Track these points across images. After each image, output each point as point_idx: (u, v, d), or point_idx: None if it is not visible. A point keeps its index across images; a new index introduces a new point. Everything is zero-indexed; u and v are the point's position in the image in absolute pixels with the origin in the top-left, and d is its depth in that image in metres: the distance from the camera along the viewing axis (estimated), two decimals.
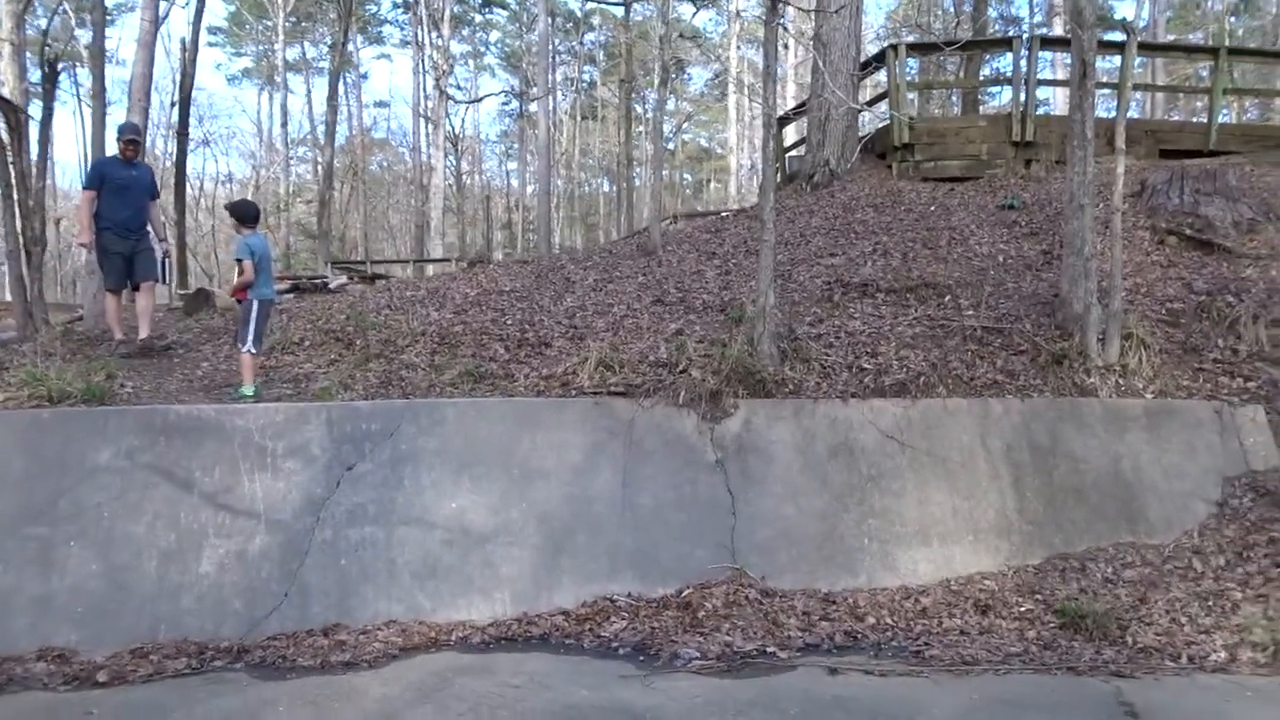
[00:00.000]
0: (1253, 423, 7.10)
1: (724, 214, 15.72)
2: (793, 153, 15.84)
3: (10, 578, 5.46)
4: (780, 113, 15.72)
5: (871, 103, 15.40)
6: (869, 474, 6.62)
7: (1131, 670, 4.86)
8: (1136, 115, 25.45)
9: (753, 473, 6.58)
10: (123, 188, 8.11)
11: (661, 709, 4.35)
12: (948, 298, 8.57)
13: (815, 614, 5.69)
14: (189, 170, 20.09)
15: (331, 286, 14.25)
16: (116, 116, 11.08)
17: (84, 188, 8.42)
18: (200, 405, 6.47)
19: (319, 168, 30.28)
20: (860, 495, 6.53)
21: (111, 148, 10.05)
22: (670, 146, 37.38)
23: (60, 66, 11.86)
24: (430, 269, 24.01)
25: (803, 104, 15.43)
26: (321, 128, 29.60)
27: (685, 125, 43.36)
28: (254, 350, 6.97)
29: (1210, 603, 5.60)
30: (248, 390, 6.87)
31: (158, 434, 6.13)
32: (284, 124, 36.67)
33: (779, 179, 13.52)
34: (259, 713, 4.42)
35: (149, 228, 8.41)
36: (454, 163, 36.86)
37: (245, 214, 7.35)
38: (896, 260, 9.56)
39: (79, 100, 29.61)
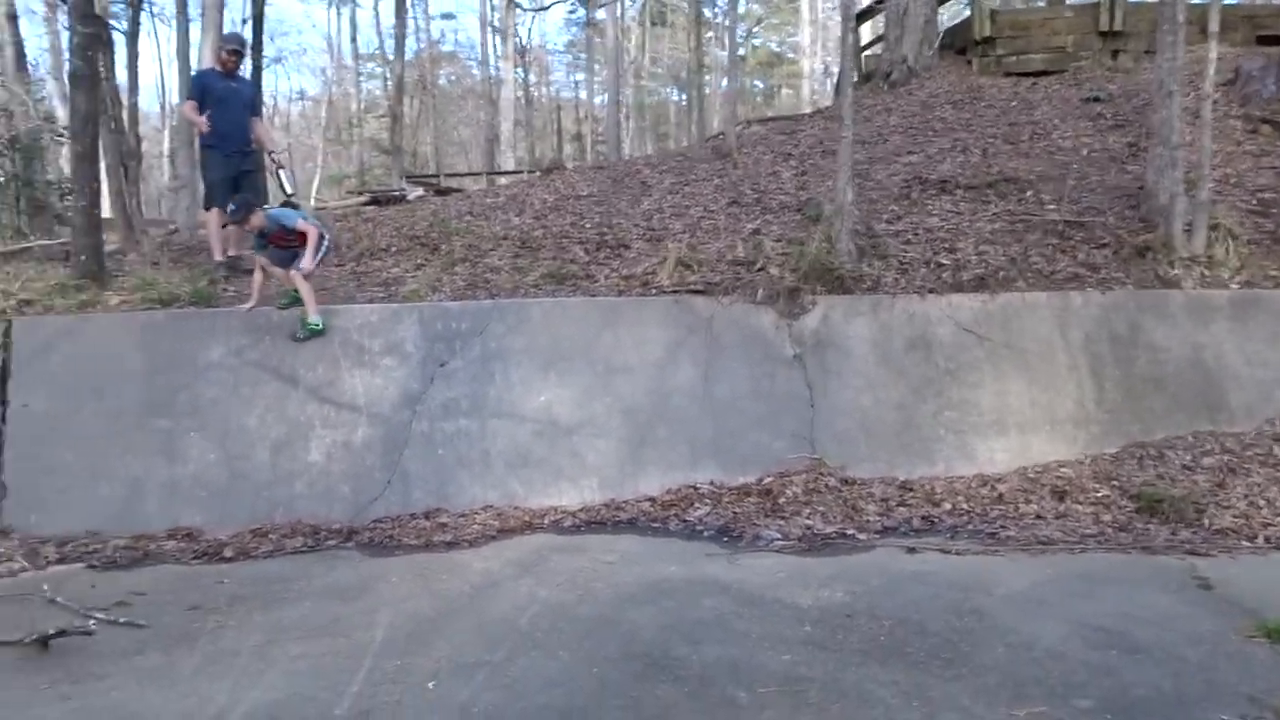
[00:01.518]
0: None
1: (797, 117, 15.50)
2: (869, 51, 15.47)
3: (140, 465, 5.91)
4: (858, 7, 15.30)
5: None
6: (946, 367, 6.70)
7: (1207, 549, 4.96)
8: (1233, 0, 24.10)
9: (830, 366, 6.71)
10: (222, 100, 7.80)
11: (747, 582, 4.59)
12: (1029, 193, 8.46)
13: (893, 500, 5.87)
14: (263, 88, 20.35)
15: (410, 199, 14.54)
16: (191, 37, 11.27)
17: (186, 99, 8.08)
18: (300, 306, 6.79)
19: (389, 83, 30.44)
20: (937, 387, 6.63)
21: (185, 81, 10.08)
22: (740, 53, 36.58)
23: None
24: (501, 182, 24.18)
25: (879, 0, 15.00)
26: (390, 41, 29.64)
27: (756, 30, 42.31)
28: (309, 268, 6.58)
29: None
30: (315, 322, 6.50)
31: (262, 333, 6.48)
32: (353, 38, 36.78)
33: (855, 78, 13.26)
34: (372, 583, 4.78)
35: (254, 146, 8.15)
36: (522, 75, 36.66)
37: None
38: (976, 156, 9.42)
39: (152, 19, 30.01)
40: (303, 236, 6.62)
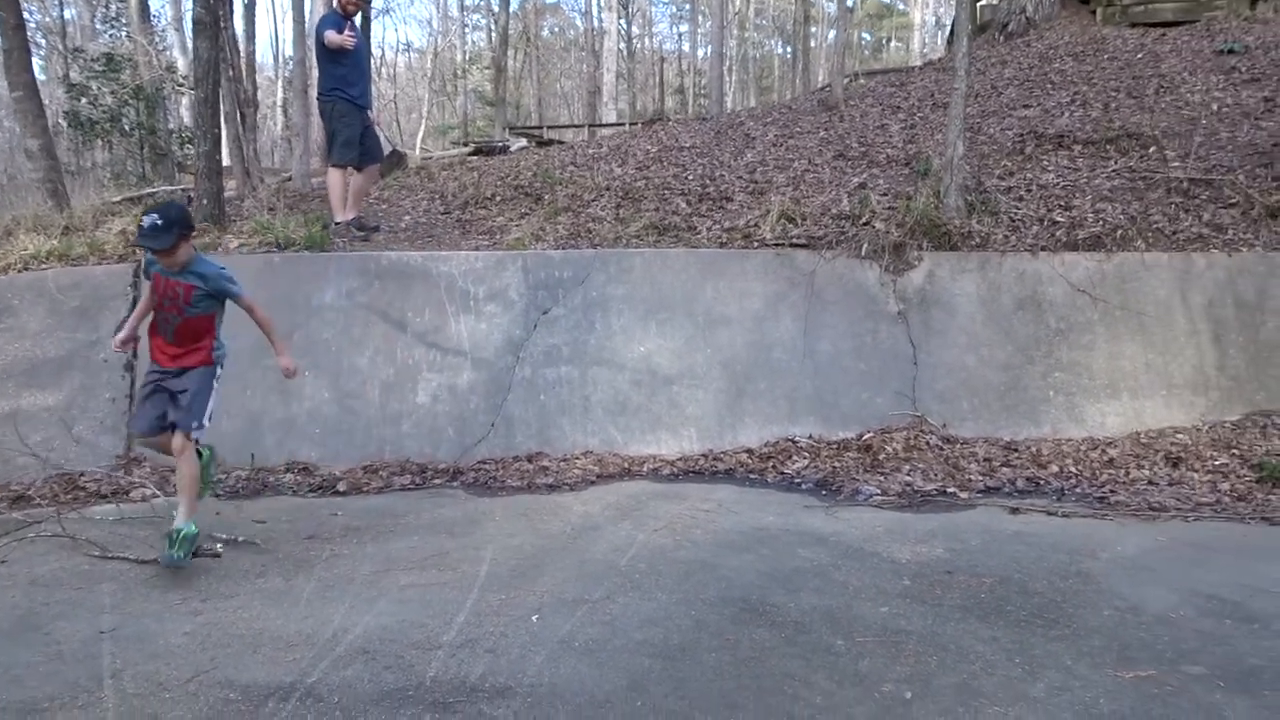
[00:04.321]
0: None
1: (906, 69, 15.08)
2: (985, 1, 14.91)
3: (258, 401, 6.18)
4: None
5: None
6: (1057, 327, 6.51)
7: None
8: None
9: (935, 324, 6.58)
10: (346, 49, 7.43)
11: (845, 534, 4.59)
12: (1152, 149, 8.09)
13: (996, 460, 5.76)
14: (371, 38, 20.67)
15: (513, 150, 14.69)
16: None
17: (323, 30, 7.49)
18: (408, 252, 6.96)
19: (493, 34, 30.59)
20: (1047, 348, 6.45)
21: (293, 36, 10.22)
22: (849, 4, 35.59)
23: None
24: (603, 134, 24.18)
25: None
26: None
27: None
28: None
29: None
30: (187, 530, 4.20)
31: (373, 278, 6.67)
32: None
33: (970, 28, 12.83)
34: (478, 520, 4.93)
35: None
36: (625, 27, 36.40)
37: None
38: (1096, 111, 9.04)
39: None
40: (207, 326, 4.36)
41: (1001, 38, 12.18)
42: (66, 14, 25.59)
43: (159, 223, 4.03)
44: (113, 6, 20.96)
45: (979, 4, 15.08)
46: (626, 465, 5.94)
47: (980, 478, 5.52)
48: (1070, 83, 9.97)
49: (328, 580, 4.06)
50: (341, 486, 5.62)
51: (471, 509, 5.19)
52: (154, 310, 4.36)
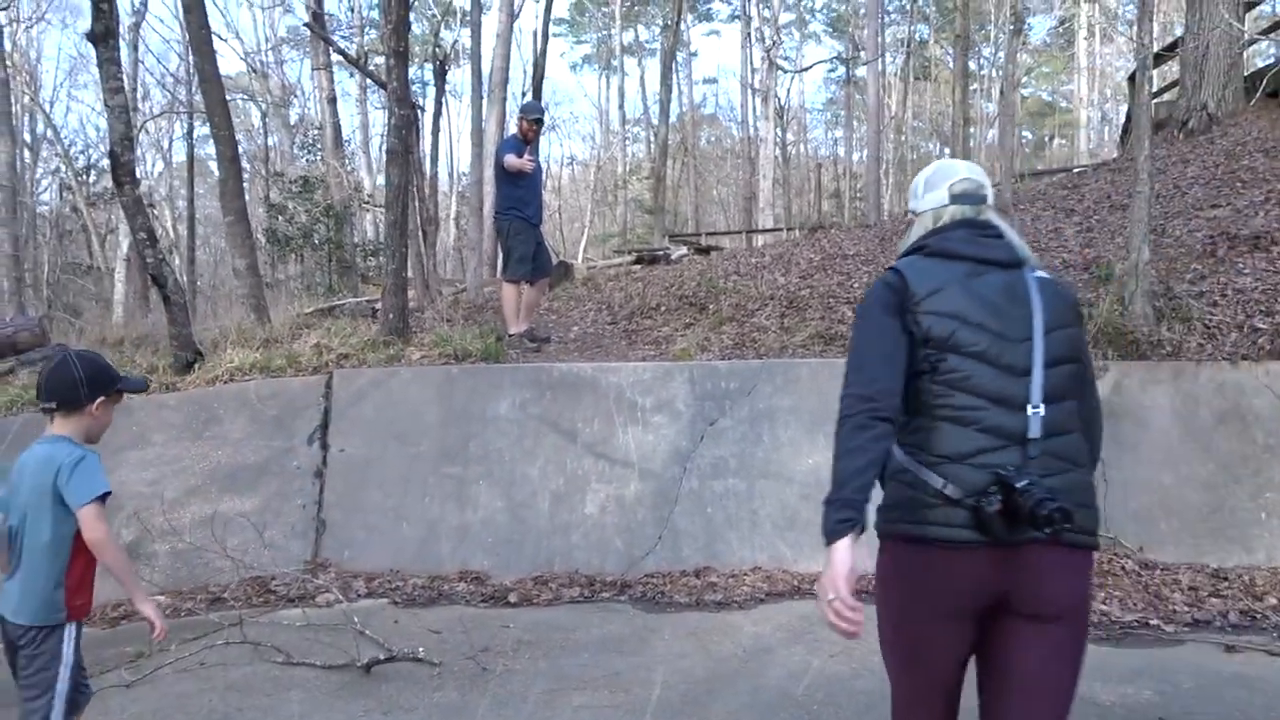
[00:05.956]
0: None
1: (1078, 169, 14.65)
2: (1160, 98, 14.42)
3: (435, 509, 6.38)
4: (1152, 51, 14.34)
5: (1268, 31, 13.62)
6: (1265, 443, 6.01)
7: None
8: None
9: (1124, 438, 6.20)
10: (525, 172, 7.87)
11: None
12: None
13: (1204, 589, 5.30)
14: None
15: (673, 258, 15.00)
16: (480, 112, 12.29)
17: (503, 154, 7.96)
18: (578, 364, 7.13)
19: (652, 146, 31.70)
20: (1255, 466, 5.96)
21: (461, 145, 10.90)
22: (1015, 104, 35.17)
23: (445, 66, 13.36)
24: (760, 240, 24.45)
25: (1174, 43, 13.98)
26: (655, 107, 30.93)
27: (1026, 79, 40.57)
28: None
29: None
30: None
31: (544, 389, 6.85)
32: (620, 105, 38.81)
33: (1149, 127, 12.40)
34: (647, 638, 4.88)
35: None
36: (780, 134, 37.09)
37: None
38: None
39: (440, 95, 33.07)
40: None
41: (1181, 135, 11.68)
42: (270, 140, 28.13)
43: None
44: (310, 133, 22.91)
45: (1154, 100, 14.60)
46: (796, 583, 5.77)
47: (1186, 609, 5.07)
48: (1263, 180, 9.42)
49: (502, 697, 4.08)
50: (513, 598, 5.68)
51: (640, 625, 5.14)
52: None
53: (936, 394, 2.11)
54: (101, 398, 2.91)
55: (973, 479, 2.02)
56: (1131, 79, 13.43)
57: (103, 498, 2.79)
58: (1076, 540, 2.04)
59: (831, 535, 2.03)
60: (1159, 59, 15.11)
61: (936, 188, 2.37)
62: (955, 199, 2.32)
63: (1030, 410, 2.06)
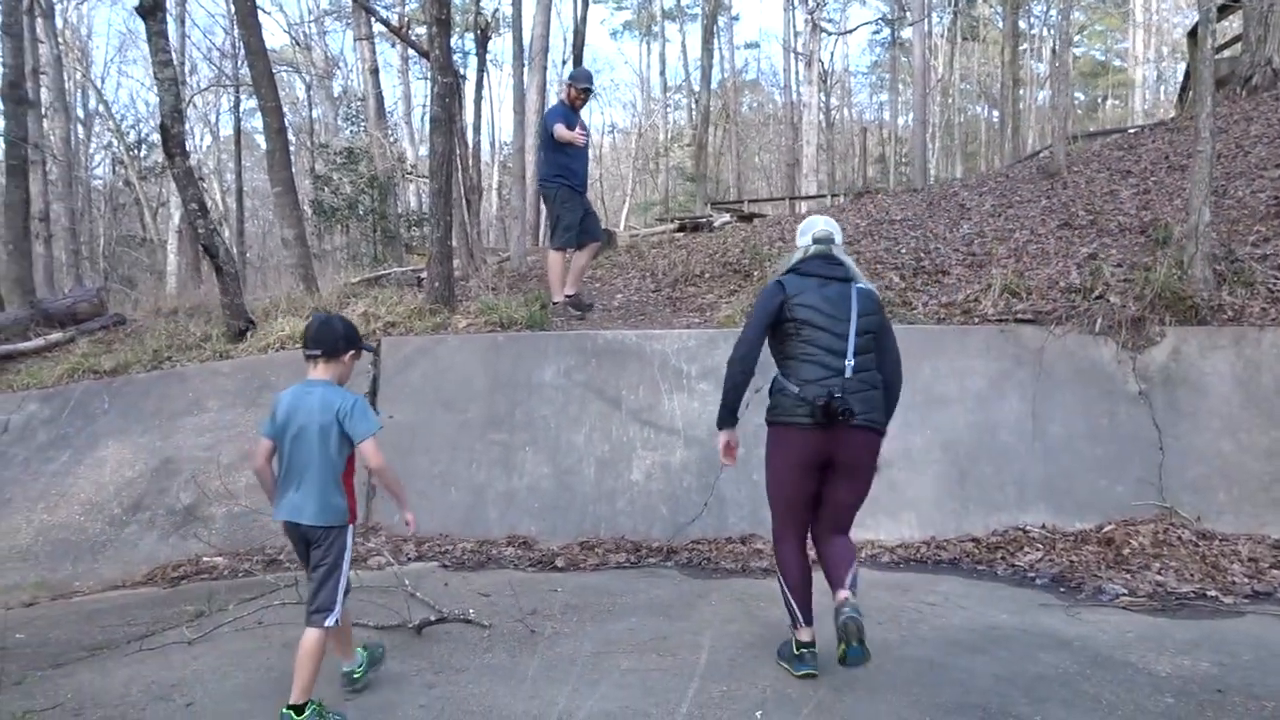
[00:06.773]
0: None
1: (1133, 129, 14.28)
2: (1221, 55, 13.98)
3: (482, 475, 6.44)
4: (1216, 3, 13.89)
5: None
6: None
7: None
8: None
9: (1182, 405, 6.08)
10: (576, 144, 7.82)
11: (1091, 638, 4.23)
12: None
13: (1264, 560, 5.19)
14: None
15: (716, 225, 14.90)
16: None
17: (552, 124, 7.88)
18: (622, 331, 7.13)
19: (694, 113, 31.42)
20: None
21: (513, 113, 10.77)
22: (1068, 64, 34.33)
23: (487, 34, 13.32)
24: (803, 206, 24.20)
25: None
26: (696, 73, 30.62)
27: (1078, 37, 39.54)
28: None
29: None
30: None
31: (589, 356, 6.86)
32: (661, 72, 38.42)
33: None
34: (693, 603, 4.90)
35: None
36: (824, 98, 36.56)
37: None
38: None
39: (482, 64, 32.97)
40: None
41: (1244, 92, 11.34)
42: (315, 113, 28.31)
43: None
44: (354, 105, 23.02)
45: (1215, 57, 14.16)
46: None
47: (1246, 580, 4.98)
48: None
49: (551, 659, 4.12)
50: (560, 562, 5.73)
51: (686, 590, 5.16)
52: None
53: (799, 347, 3.73)
54: (352, 351, 3.69)
55: (815, 393, 3.61)
56: (1192, 34, 13.05)
57: (375, 433, 3.57)
58: (867, 424, 3.66)
59: (720, 426, 4.06)
60: (1222, 12, 14.67)
61: (805, 234, 3.96)
62: (815, 241, 3.90)
63: (847, 359, 3.67)
